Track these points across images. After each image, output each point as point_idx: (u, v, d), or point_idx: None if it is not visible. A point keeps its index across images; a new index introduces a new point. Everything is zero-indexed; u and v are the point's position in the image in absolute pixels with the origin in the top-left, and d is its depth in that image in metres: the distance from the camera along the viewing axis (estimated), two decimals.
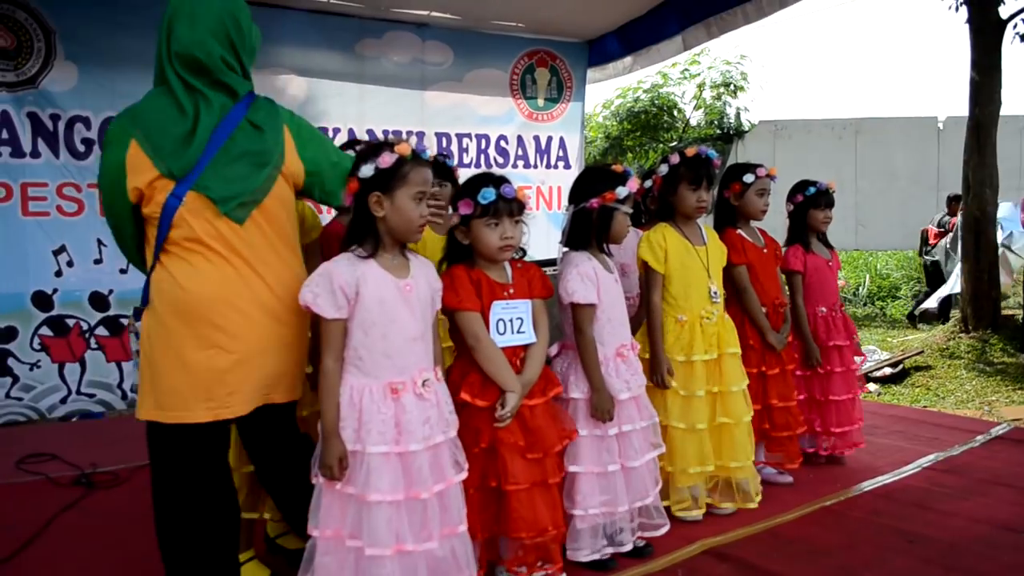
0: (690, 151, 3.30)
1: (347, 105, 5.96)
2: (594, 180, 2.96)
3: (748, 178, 3.61)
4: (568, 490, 2.84)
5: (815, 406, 3.93)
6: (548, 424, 2.66)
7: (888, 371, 6.95)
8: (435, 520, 2.23)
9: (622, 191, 2.88)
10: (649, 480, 2.98)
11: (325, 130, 5.87)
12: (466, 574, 2.32)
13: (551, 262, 3.94)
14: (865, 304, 11.23)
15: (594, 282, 2.85)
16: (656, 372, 3.20)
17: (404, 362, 2.24)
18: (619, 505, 2.85)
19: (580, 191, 2.96)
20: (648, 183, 3.79)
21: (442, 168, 3.44)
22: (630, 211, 2.99)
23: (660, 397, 3.21)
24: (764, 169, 3.65)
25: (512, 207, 2.54)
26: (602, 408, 2.82)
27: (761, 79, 21.52)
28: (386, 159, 2.17)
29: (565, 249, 3.01)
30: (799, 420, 3.70)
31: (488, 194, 2.49)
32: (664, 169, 3.35)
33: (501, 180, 2.56)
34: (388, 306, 2.21)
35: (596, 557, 2.86)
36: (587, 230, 2.92)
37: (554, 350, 3.00)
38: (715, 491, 3.37)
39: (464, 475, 2.36)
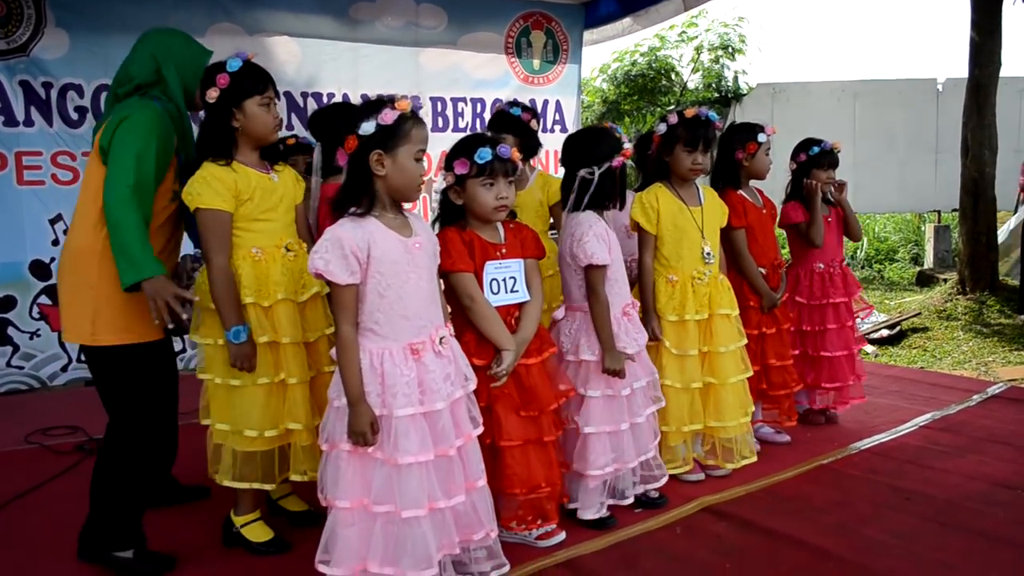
0: (689, 112, 3.26)
1: (341, 70, 5.90)
2: (598, 141, 2.95)
3: (762, 137, 3.62)
4: (580, 451, 2.89)
5: (808, 361, 3.96)
6: (543, 383, 2.68)
7: (886, 332, 6.98)
8: (459, 475, 2.25)
9: (629, 146, 2.91)
10: (650, 434, 3.05)
11: (319, 95, 5.83)
12: (487, 528, 2.35)
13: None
14: (863, 267, 11.24)
15: (606, 242, 2.88)
16: (646, 326, 3.21)
17: (421, 321, 2.23)
18: (628, 461, 2.93)
19: (584, 154, 2.94)
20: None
21: (510, 120, 3.49)
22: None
23: (655, 356, 3.22)
24: (769, 128, 3.67)
25: (507, 167, 2.53)
26: (614, 368, 2.86)
27: (759, 41, 21.32)
28: (388, 115, 2.14)
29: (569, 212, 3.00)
30: (795, 378, 3.73)
31: (484, 154, 2.47)
32: (662, 128, 3.32)
33: (496, 140, 2.55)
34: (400, 266, 2.19)
35: (602, 514, 2.93)
36: (613, 189, 2.93)
37: (560, 313, 3.03)
38: (707, 449, 3.40)
39: (480, 429, 2.37)
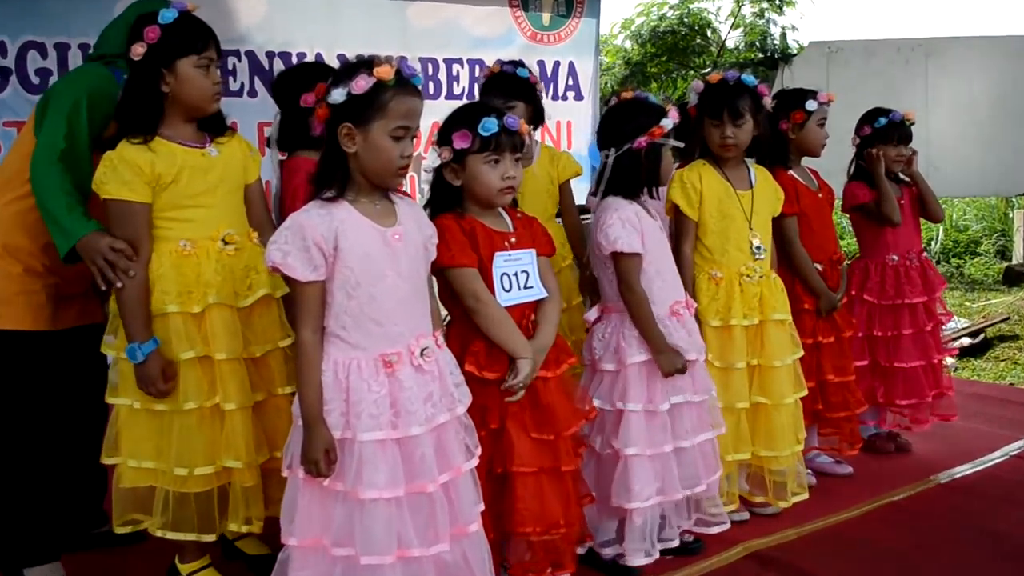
0: (713, 77, 3.28)
1: (312, 24, 5.85)
2: (632, 115, 2.95)
3: (811, 105, 3.60)
4: (620, 480, 2.87)
5: (879, 374, 3.91)
6: (562, 401, 2.66)
7: (967, 341, 6.94)
8: (443, 518, 2.20)
9: (667, 123, 2.89)
10: (703, 466, 3.00)
11: (288, 55, 5.79)
12: None
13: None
14: (939, 262, 11.20)
15: (638, 229, 2.88)
16: None
17: (398, 328, 2.20)
18: (673, 493, 2.90)
19: (616, 131, 2.95)
20: None
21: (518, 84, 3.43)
22: (680, 145, 3.04)
23: None
24: (824, 95, 3.61)
25: (515, 141, 2.51)
26: (671, 368, 2.87)
27: None
28: (361, 83, 2.11)
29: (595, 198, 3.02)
30: (858, 398, 3.69)
31: (490, 125, 2.45)
32: (693, 99, 3.33)
33: (502, 110, 2.53)
34: (374, 261, 2.17)
35: (652, 559, 2.91)
36: (635, 174, 2.93)
37: (593, 315, 3.03)
38: (750, 483, 3.38)
39: (475, 461, 2.34)
